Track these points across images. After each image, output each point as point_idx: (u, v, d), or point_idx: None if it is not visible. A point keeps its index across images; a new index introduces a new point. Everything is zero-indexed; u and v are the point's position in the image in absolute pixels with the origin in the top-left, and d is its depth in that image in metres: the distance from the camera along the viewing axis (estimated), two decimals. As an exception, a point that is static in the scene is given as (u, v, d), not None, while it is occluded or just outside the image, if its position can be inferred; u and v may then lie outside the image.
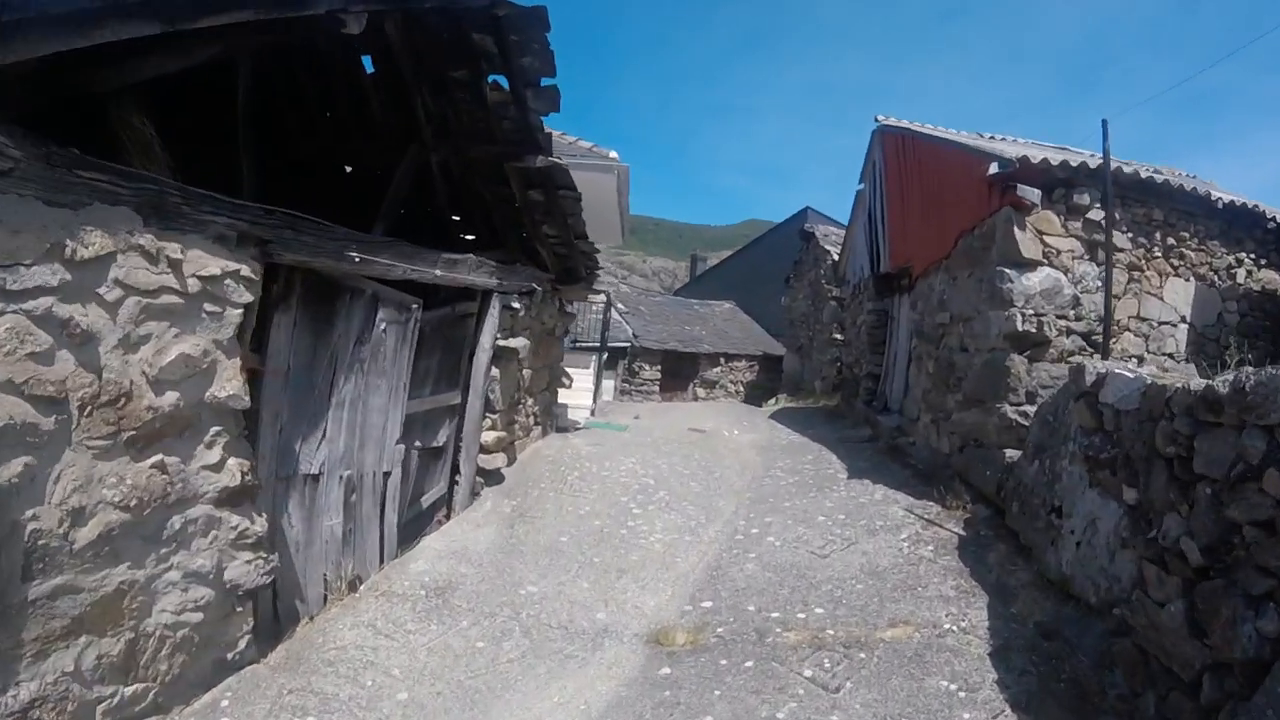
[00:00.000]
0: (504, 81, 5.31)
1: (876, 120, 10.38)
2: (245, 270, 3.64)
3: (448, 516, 6.37)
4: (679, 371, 20.14)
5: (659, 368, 19.25)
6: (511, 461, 7.42)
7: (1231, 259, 6.97)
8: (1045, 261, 6.09)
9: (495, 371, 6.71)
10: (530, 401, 8.08)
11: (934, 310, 7.87)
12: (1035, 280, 6.02)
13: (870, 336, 11.19)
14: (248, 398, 3.70)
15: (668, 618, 4.43)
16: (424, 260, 5.09)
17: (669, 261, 76.13)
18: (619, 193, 10.77)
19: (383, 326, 4.83)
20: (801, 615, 4.34)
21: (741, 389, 21.29)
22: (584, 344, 13.99)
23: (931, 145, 8.19)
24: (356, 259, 4.30)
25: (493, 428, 6.91)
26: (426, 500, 6.14)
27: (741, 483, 7.42)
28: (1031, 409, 5.80)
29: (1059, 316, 6.10)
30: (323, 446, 4.55)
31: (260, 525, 3.85)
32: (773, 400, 19.09)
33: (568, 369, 11.38)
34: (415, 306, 5.15)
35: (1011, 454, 5.94)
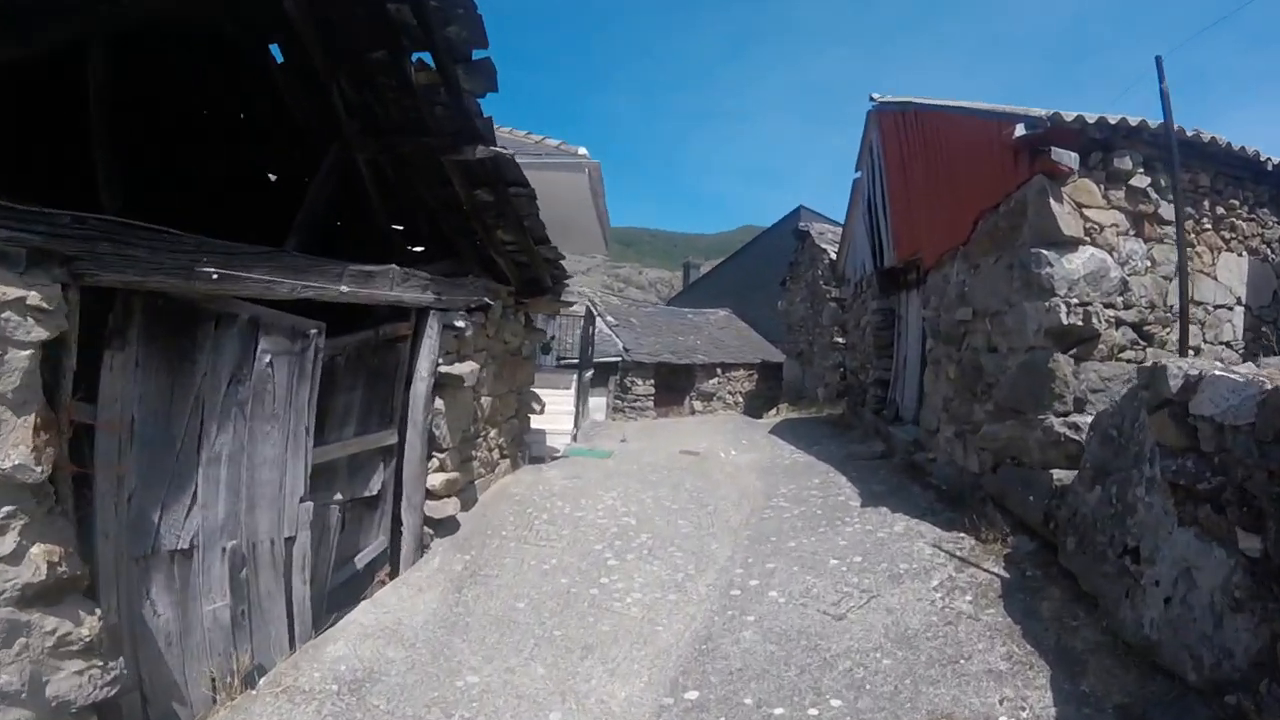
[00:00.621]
0: (430, 59, 4.40)
1: (873, 99, 9.43)
2: (35, 298, 2.67)
3: (393, 574, 5.37)
4: (674, 385, 19.13)
5: (652, 382, 18.25)
6: (470, 505, 6.41)
7: (1287, 229, 6.01)
8: (1087, 239, 5.11)
9: (440, 403, 5.71)
10: (493, 433, 7.08)
11: (952, 306, 6.86)
12: (1078, 262, 5.03)
13: (876, 339, 10.19)
14: (43, 465, 2.71)
15: (640, 717, 3.40)
16: (322, 274, 4.10)
17: (665, 272, 75.78)
18: (593, 194, 9.80)
19: (267, 360, 3.84)
20: (814, 711, 3.31)
21: (740, 400, 20.27)
22: (569, 361, 13.01)
23: (940, 116, 7.22)
24: (214, 275, 3.31)
25: (441, 469, 5.91)
26: (362, 559, 5.15)
27: (739, 517, 6.39)
28: (1083, 419, 4.79)
29: (1106, 305, 5.10)
30: (194, 514, 3.56)
31: (91, 625, 2.88)
32: (773, 411, 18.07)
33: (544, 390, 10.39)
34: (314, 332, 4.15)
35: (1060, 475, 4.94)
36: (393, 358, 5.37)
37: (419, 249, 7.10)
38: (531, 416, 9.81)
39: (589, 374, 12.33)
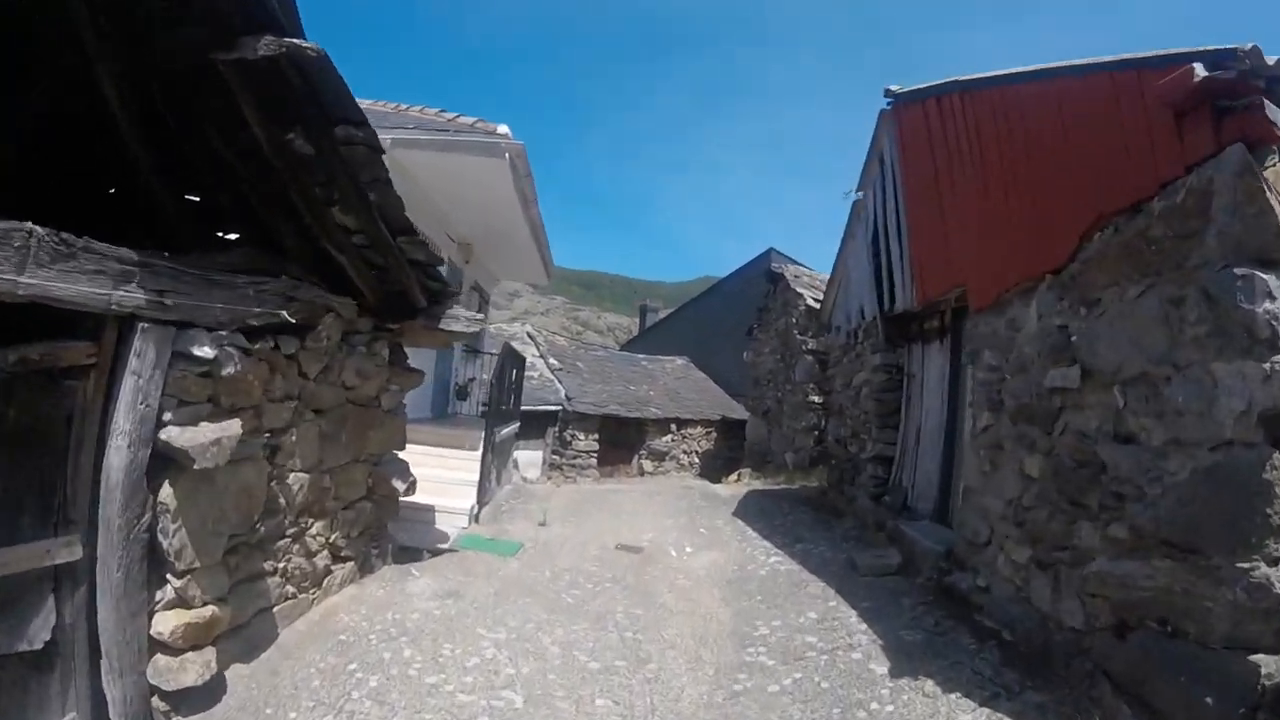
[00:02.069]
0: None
1: (889, 93, 7.29)
2: None
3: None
4: (622, 440, 16.61)
5: (596, 437, 15.69)
6: (256, 651, 3.81)
7: None
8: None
9: (168, 491, 3.16)
10: (317, 527, 4.48)
11: (1030, 364, 4.57)
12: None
13: (878, 403, 7.90)
14: None
15: None
16: None
17: (624, 317, 74.55)
18: (520, 193, 7.41)
19: None
20: None
21: (696, 460, 17.84)
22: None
23: (1012, 92, 5.02)
24: None
25: (181, 602, 3.33)
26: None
27: (696, 692, 3.88)
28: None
29: (1384, 374, 2.84)
30: None
31: None
32: (734, 476, 15.66)
33: (443, 451, 7.81)
34: None
35: (1268, 662, 2.65)
36: (58, 406, 2.83)
37: (233, 236, 4.65)
38: (420, 486, 7.22)
39: (509, 429, 9.75)
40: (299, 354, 4.04)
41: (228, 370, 3.36)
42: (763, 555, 6.76)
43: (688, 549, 6.99)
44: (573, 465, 15.38)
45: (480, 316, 5.24)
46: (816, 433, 13.94)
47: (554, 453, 15.57)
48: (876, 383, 7.94)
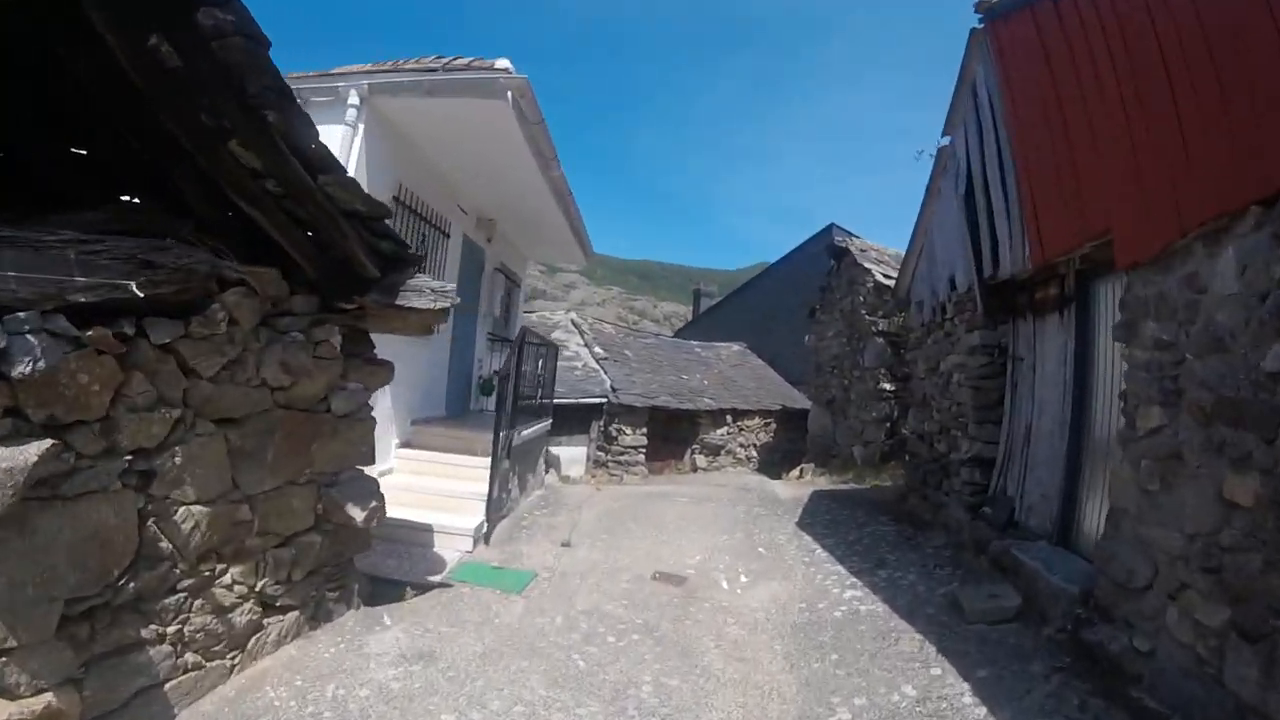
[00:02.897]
0: None
1: (983, 6, 5.78)
2: None
3: None
4: (672, 434, 15.32)
5: (644, 431, 14.43)
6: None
7: None
8: None
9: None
10: (235, 574, 3.34)
11: (1241, 337, 3.10)
12: None
13: (976, 393, 6.41)
14: None
15: None
16: None
17: (680, 306, 73.71)
18: (532, 142, 6.21)
19: None
20: None
21: (754, 454, 16.41)
22: (527, 403, 9.40)
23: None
24: None
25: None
26: None
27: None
28: None
29: None
30: None
31: None
32: (796, 472, 14.21)
33: (445, 458, 6.70)
34: None
35: None
36: None
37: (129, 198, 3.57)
38: (420, 501, 6.11)
39: (536, 428, 8.57)
40: (179, 344, 2.88)
41: (22, 369, 2.22)
42: (836, 587, 5.38)
43: (742, 577, 5.66)
44: (619, 462, 14.17)
45: (450, 289, 4.01)
46: (889, 424, 12.38)
47: (599, 449, 14.39)
48: (973, 367, 6.44)
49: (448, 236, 7.85)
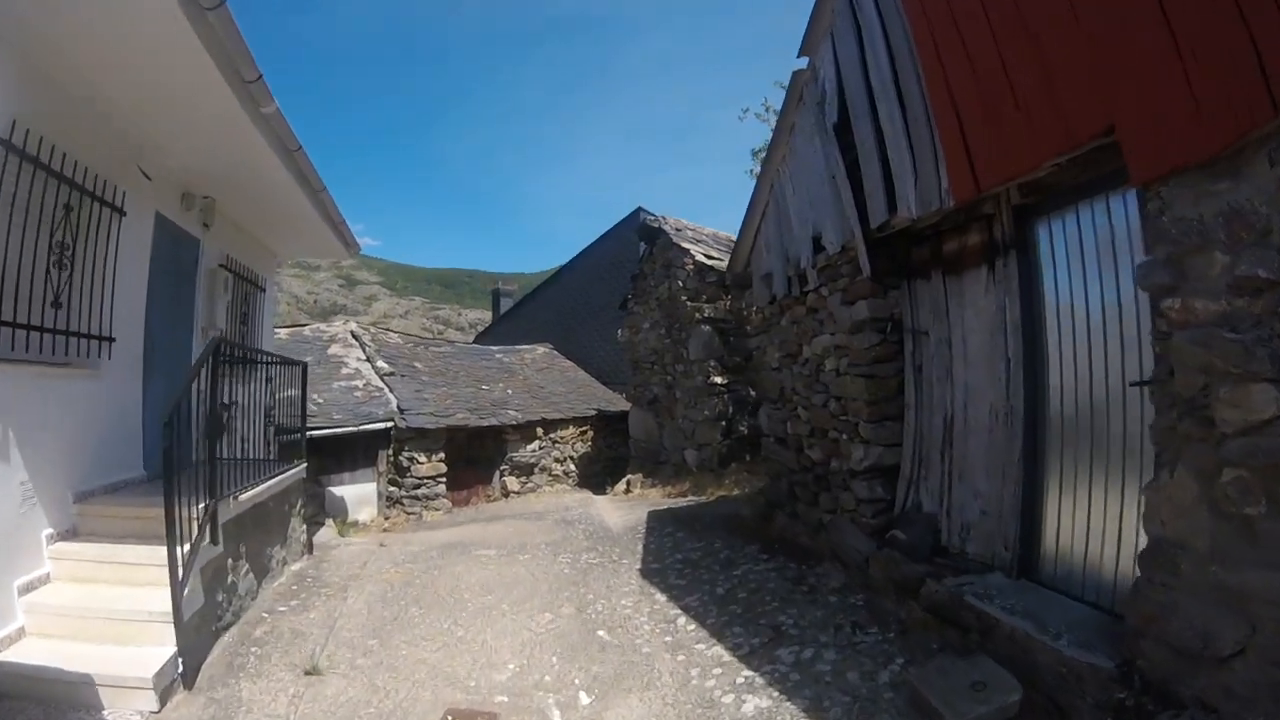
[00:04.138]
0: None
1: None
2: None
3: None
4: (477, 455, 12.94)
5: (443, 456, 11.93)
6: None
7: None
8: None
9: None
10: None
11: None
12: None
13: (869, 382, 4.89)
14: None
15: None
16: None
17: (485, 313, 71.17)
18: (235, 75, 3.71)
19: None
20: None
21: (573, 469, 14.48)
22: (289, 436, 6.81)
23: None
24: None
25: None
26: None
27: None
28: None
29: None
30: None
31: None
32: (623, 485, 12.48)
33: (156, 543, 4.05)
34: None
35: None
36: None
37: None
38: (75, 630, 3.46)
39: (277, 480, 5.98)
40: None
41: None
42: (727, 692, 3.53)
43: (582, 696, 3.64)
44: (414, 498, 11.58)
45: None
46: (724, 423, 10.99)
47: (390, 483, 11.70)
48: (861, 349, 4.92)
49: (120, 213, 5.05)
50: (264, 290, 8.62)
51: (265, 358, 6.32)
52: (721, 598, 4.93)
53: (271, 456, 6.56)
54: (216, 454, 4.67)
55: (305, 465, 7.04)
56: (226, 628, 4.64)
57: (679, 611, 4.77)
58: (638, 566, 6.05)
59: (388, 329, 19.06)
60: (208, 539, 4.45)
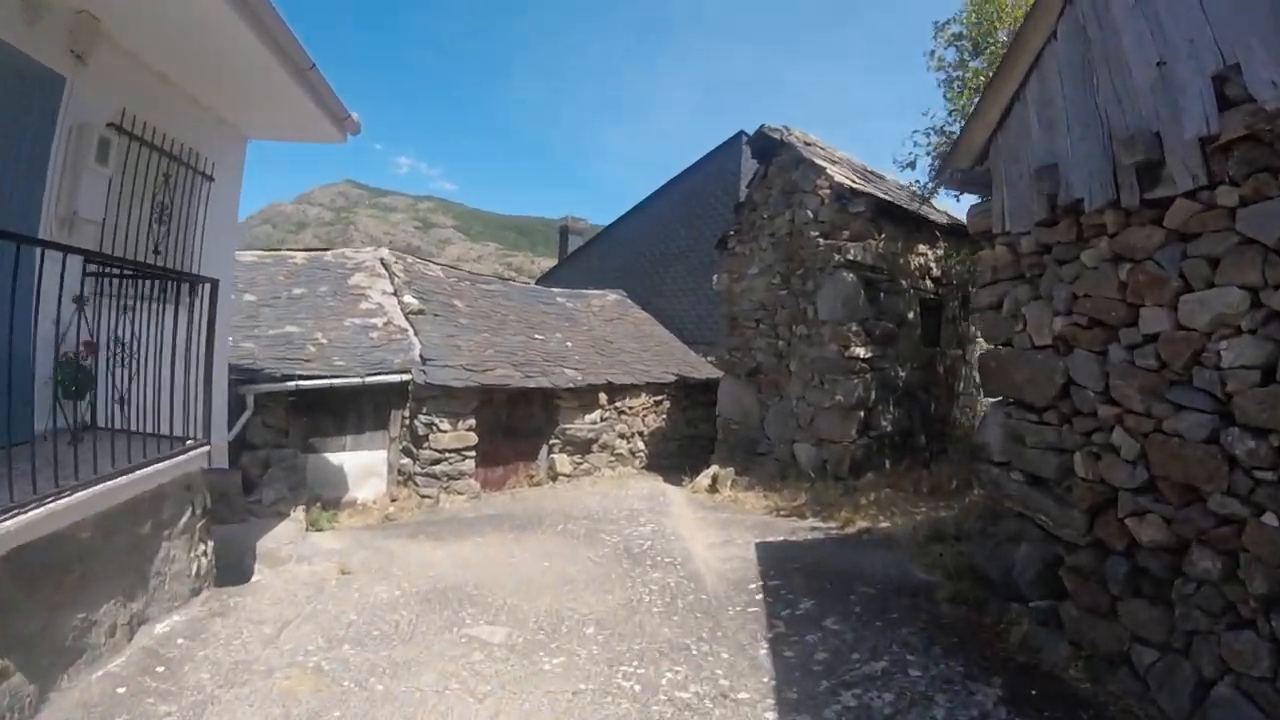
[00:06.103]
0: None
1: None
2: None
3: None
4: (520, 425, 10.08)
5: (470, 423, 9.13)
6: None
7: None
8: None
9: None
10: None
11: None
12: None
13: None
14: None
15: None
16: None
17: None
18: None
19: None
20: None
21: (642, 448, 11.50)
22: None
23: None
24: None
25: None
26: None
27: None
28: None
29: None
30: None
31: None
32: (706, 480, 9.42)
33: None
34: None
35: None
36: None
37: None
38: None
39: (117, 484, 3.09)
40: None
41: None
42: None
43: None
44: (432, 475, 8.83)
45: None
46: (863, 413, 7.77)
47: (403, 453, 8.99)
48: None
49: None
50: (210, 178, 5.64)
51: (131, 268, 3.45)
52: None
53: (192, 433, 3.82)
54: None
55: (207, 449, 4.20)
56: None
57: None
58: (769, 678, 3.02)
59: (432, 260, 16.19)
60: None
